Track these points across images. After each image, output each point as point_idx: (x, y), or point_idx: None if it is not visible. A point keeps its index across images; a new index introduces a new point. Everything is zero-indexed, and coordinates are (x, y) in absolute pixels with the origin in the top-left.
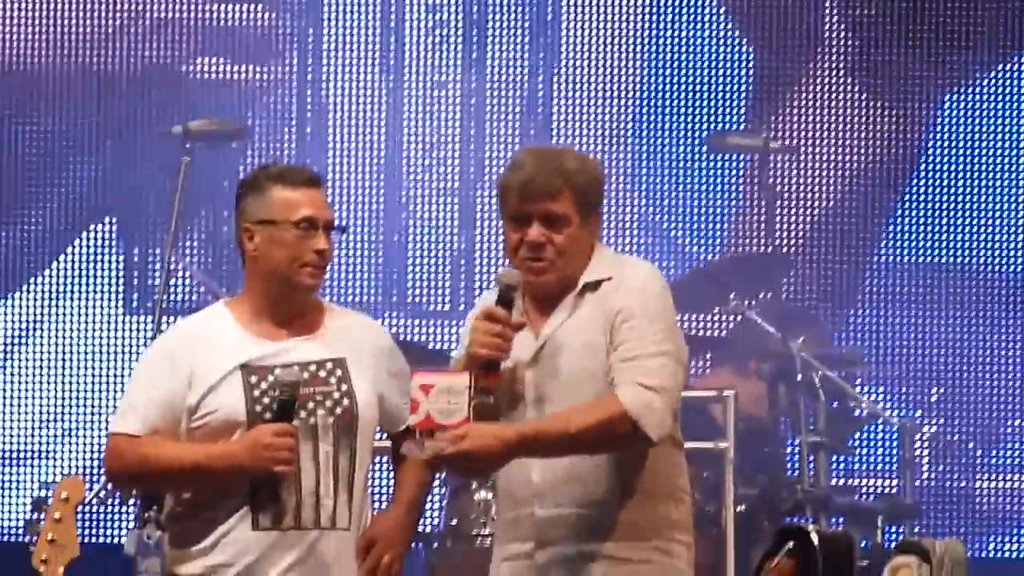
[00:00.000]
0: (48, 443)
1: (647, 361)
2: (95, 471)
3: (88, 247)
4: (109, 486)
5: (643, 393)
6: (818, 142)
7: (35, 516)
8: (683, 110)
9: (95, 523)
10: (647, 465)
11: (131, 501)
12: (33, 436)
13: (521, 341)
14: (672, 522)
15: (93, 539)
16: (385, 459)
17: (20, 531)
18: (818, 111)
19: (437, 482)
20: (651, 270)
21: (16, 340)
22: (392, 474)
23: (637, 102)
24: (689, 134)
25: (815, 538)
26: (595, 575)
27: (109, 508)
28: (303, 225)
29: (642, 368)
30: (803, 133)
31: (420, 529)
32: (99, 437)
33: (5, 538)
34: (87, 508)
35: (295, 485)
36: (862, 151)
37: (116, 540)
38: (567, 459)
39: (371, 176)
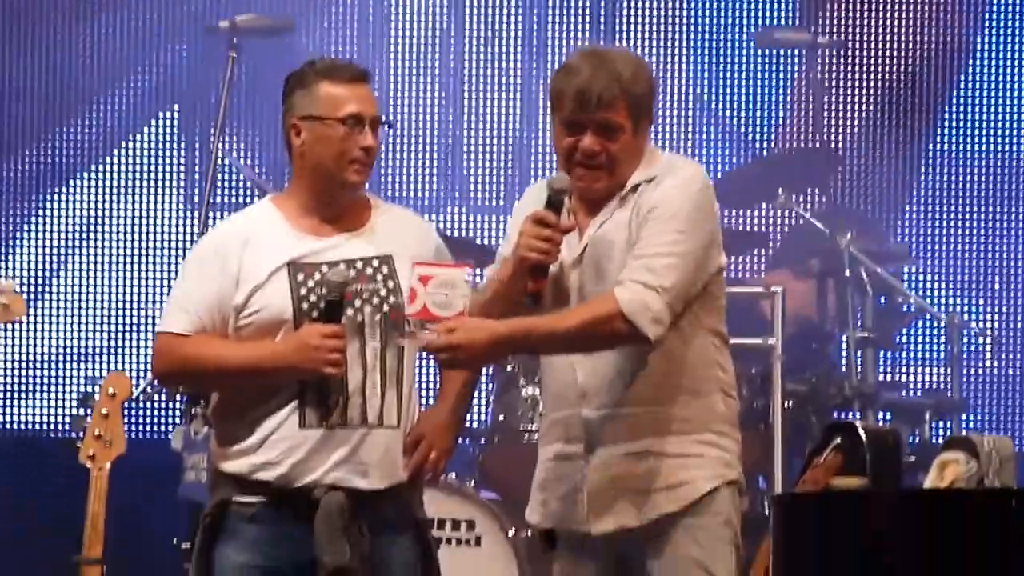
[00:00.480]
0: (97, 340)
1: (654, 260)
2: (142, 368)
3: (149, 143)
4: (155, 382)
5: (641, 292)
6: (866, 36)
7: (82, 411)
8: (731, 4)
9: (142, 419)
10: (691, 361)
11: (177, 397)
12: (83, 332)
13: (567, 242)
14: (719, 415)
15: (140, 435)
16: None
17: (67, 426)
18: (865, 4)
19: (485, 378)
20: (692, 171)
21: (74, 237)
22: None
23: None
24: (737, 29)
25: (862, 433)
26: (646, 471)
27: (155, 404)
28: (349, 121)
29: (646, 266)
30: (851, 27)
31: (467, 425)
32: (148, 335)
33: (52, 433)
34: (133, 404)
35: (342, 383)
36: (911, 44)
37: (163, 436)
38: (612, 359)
39: (427, 69)
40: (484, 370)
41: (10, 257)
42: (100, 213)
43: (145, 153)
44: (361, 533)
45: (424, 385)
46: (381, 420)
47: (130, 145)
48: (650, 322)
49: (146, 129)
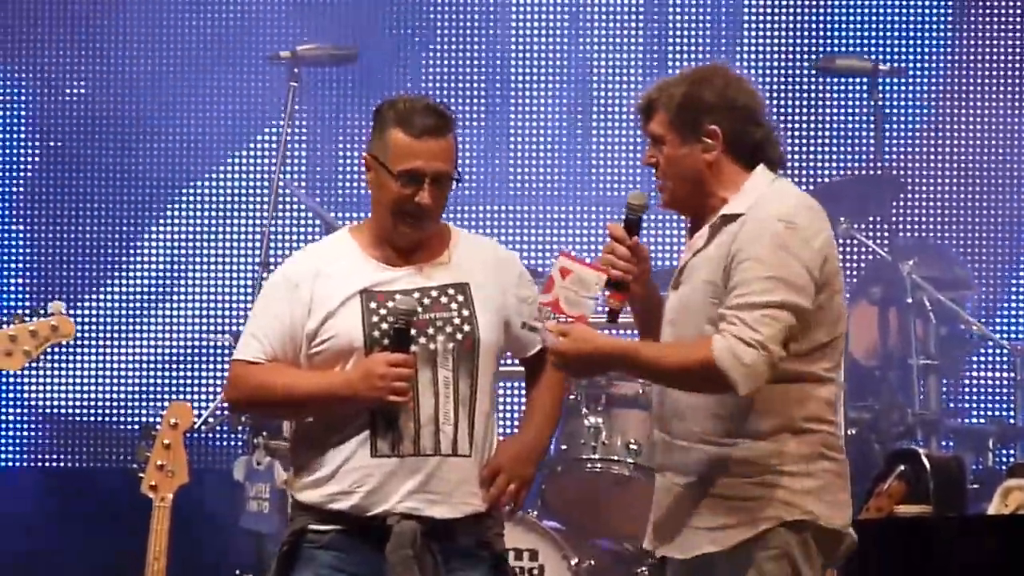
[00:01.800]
0: (160, 370)
1: (749, 313)
2: (204, 398)
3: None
4: (218, 412)
5: (737, 347)
6: (927, 63)
7: (144, 442)
8: (793, 31)
9: (204, 449)
10: (765, 403)
11: (239, 427)
12: (145, 363)
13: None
14: (788, 455)
15: (202, 465)
16: (515, 384)
17: (130, 458)
18: (926, 32)
19: None
20: (785, 204)
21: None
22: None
23: (747, 23)
24: (798, 55)
25: (926, 461)
26: (696, 508)
27: (218, 434)
28: (403, 177)
29: (742, 320)
30: (912, 54)
31: None
32: (210, 364)
33: (115, 465)
34: (196, 434)
35: (414, 411)
36: (972, 70)
37: (225, 466)
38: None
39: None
40: None
41: (73, 279)
42: (159, 241)
43: (212, 186)
44: (436, 562)
45: (509, 412)
46: (455, 449)
47: (194, 175)
48: (742, 377)
49: (213, 164)
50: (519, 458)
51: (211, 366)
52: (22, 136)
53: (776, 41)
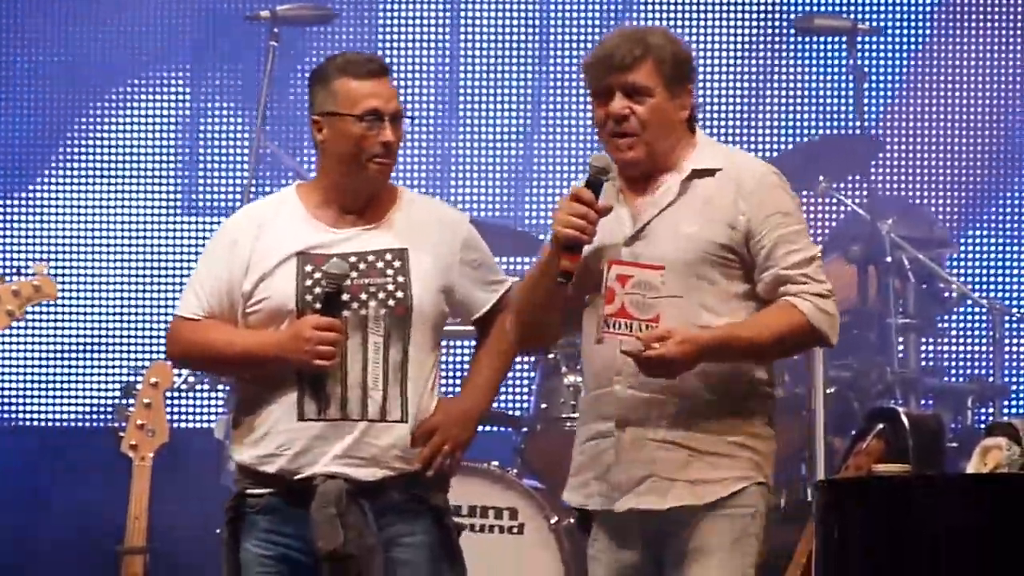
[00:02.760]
0: (139, 329)
1: (810, 268)
2: None
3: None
4: (199, 372)
5: (821, 303)
6: (906, 21)
7: (124, 401)
8: None
9: (184, 408)
10: (738, 365)
11: (220, 386)
12: (125, 322)
13: (617, 221)
14: (754, 417)
15: (182, 424)
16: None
17: (110, 416)
18: None
19: (527, 366)
20: (769, 166)
21: (117, 227)
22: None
23: None
24: (776, 14)
25: (905, 420)
26: (674, 462)
27: (198, 393)
28: (368, 117)
29: (808, 276)
30: (890, 13)
31: (510, 413)
32: None
33: (95, 423)
34: (176, 393)
35: (341, 376)
36: (951, 30)
37: (205, 425)
38: None
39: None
40: (521, 358)
41: (54, 243)
42: (142, 202)
43: (190, 144)
44: (366, 519)
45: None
46: (383, 415)
47: (173, 136)
48: (832, 328)
49: (187, 120)
50: (456, 419)
51: None
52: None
53: (753, 0)
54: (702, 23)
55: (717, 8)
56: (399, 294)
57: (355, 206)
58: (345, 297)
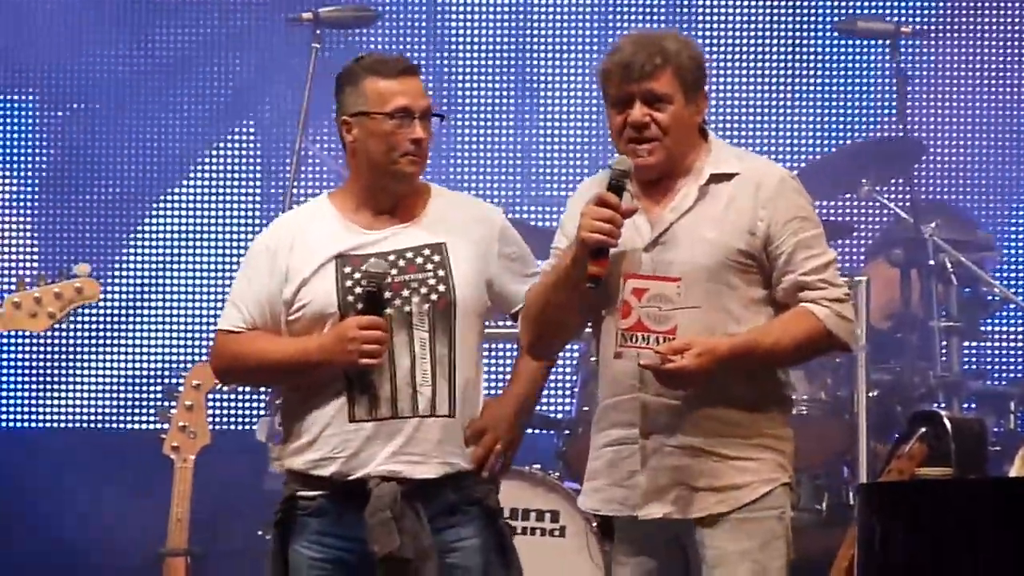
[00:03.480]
0: (182, 332)
1: (827, 273)
2: None
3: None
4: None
5: (840, 308)
6: (949, 25)
7: (166, 403)
8: None
9: (226, 410)
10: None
11: (261, 388)
12: (168, 325)
13: (635, 227)
14: (775, 418)
15: (224, 426)
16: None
17: (152, 418)
18: None
19: (569, 369)
20: (784, 169)
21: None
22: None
23: None
24: (820, 17)
25: (947, 423)
26: (700, 469)
27: (240, 395)
28: (398, 115)
29: (826, 281)
30: (934, 16)
31: (551, 416)
32: None
33: (137, 426)
34: (218, 395)
35: (390, 374)
36: (994, 33)
37: (247, 427)
38: None
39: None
40: (562, 359)
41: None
42: (188, 204)
43: (233, 148)
44: (420, 522)
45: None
46: (433, 409)
47: (220, 143)
48: (849, 334)
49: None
50: (503, 418)
51: None
52: (47, 101)
53: (796, 3)
54: (745, 25)
55: (759, 10)
56: (441, 288)
57: (388, 205)
58: (387, 295)
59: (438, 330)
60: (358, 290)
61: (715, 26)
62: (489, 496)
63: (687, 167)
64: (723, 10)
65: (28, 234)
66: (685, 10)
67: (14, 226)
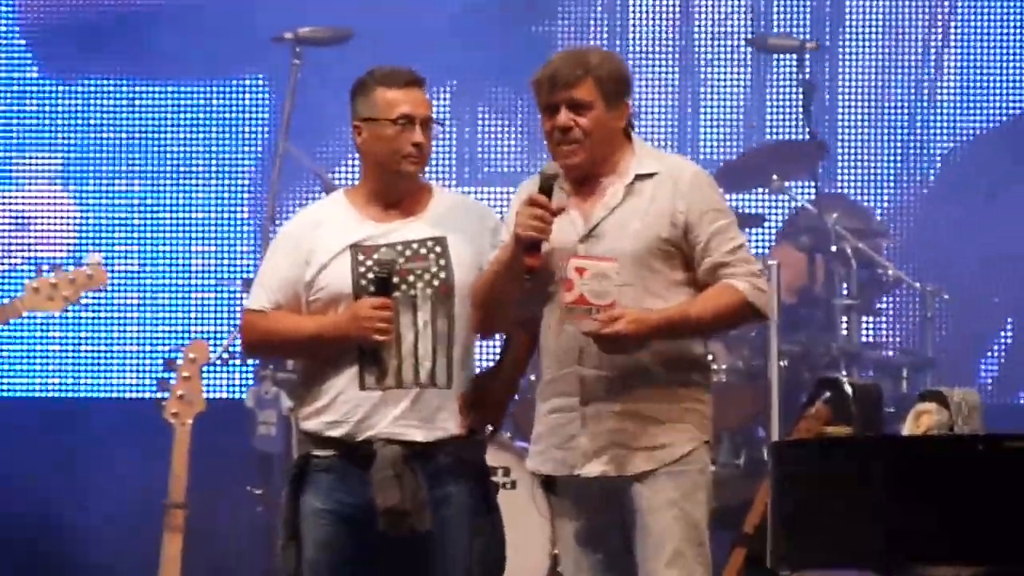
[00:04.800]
0: (180, 312)
1: (740, 253)
2: (218, 335)
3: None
4: (231, 348)
5: (756, 282)
6: (848, 39)
7: (166, 375)
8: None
9: (219, 381)
10: (681, 341)
11: (249, 361)
12: (166, 305)
13: (570, 223)
14: (698, 383)
15: (218, 395)
16: None
17: (154, 388)
18: (845, 10)
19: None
20: (697, 167)
21: (160, 224)
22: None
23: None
24: (735, 33)
25: (848, 388)
26: (633, 431)
27: (231, 368)
28: (400, 121)
29: (741, 259)
30: (835, 31)
31: None
32: (223, 308)
33: (141, 394)
34: (212, 368)
35: (396, 349)
36: (891, 43)
37: (238, 395)
38: None
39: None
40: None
41: (107, 232)
42: (184, 200)
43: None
44: (417, 481)
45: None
46: (433, 380)
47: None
48: (765, 305)
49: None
50: (494, 390)
51: (225, 308)
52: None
53: (713, 21)
54: (672, 41)
55: (686, 30)
56: (442, 275)
57: (395, 201)
58: (395, 280)
59: (439, 312)
60: (370, 276)
61: (640, 39)
62: (479, 457)
63: (613, 167)
64: (648, 26)
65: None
66: (604, 22)
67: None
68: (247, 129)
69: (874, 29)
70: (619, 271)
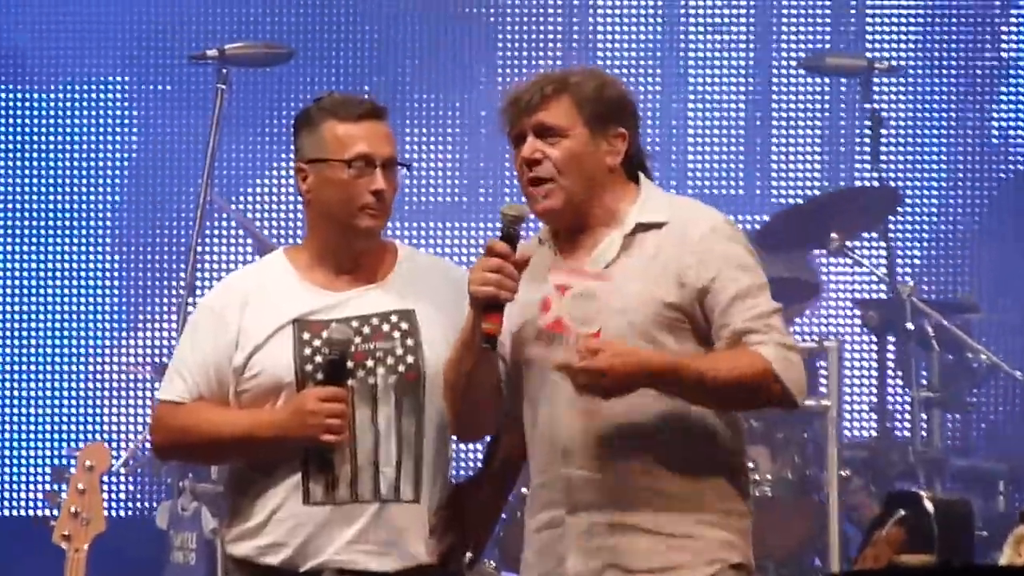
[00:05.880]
0: (72, 406)
1: (772, 320)
2: (122, 438)
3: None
4: (138, 453)
5: (787, 353)
6: (928, 61)
7: (56, 487)
8: (775, 27)
9: (123, 494)
10: (693, 428)
11: (163, 470)
12: (56, 399)
13: (554, 279)
14: (725, 492)
15: (121, 512)
16: None
17: (39, 504)
18: (927, 27)
19: None
20: (719, 215)
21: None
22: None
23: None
24: (783, 53)
25: (928, 505)
26: (633, 549)
27: (138, 478)
28: (357, 163)
29: (772, 327)
30: (911, 51)
31: None
32: (129, 401)
33: (23, 511)
34: (114, 478)
35: (351, 453)
36: (976, 70)
37: (146, 513)
38: (601, 415)
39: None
40: None
41: None
42: (73, 262)
43: (131, 201)
44: None
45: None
46: (397, 494)
47: (108, 186)
48: (795, 384)
49: (125, 168)
50: (476, 507)
51: (131, 401)
52: None
53: (760, 37)
54: (699, 64)
55: (718, 45)
56: (409, 359)
57: (349, 264)
58: (350, 365)
59: (405, 405)
60: (318, 359)
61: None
62: None
63: (611, 216)
64: (673, 41)
65: None
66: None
67: None
68: (159, 172)
69: (956, 44)
70: (609, 291)
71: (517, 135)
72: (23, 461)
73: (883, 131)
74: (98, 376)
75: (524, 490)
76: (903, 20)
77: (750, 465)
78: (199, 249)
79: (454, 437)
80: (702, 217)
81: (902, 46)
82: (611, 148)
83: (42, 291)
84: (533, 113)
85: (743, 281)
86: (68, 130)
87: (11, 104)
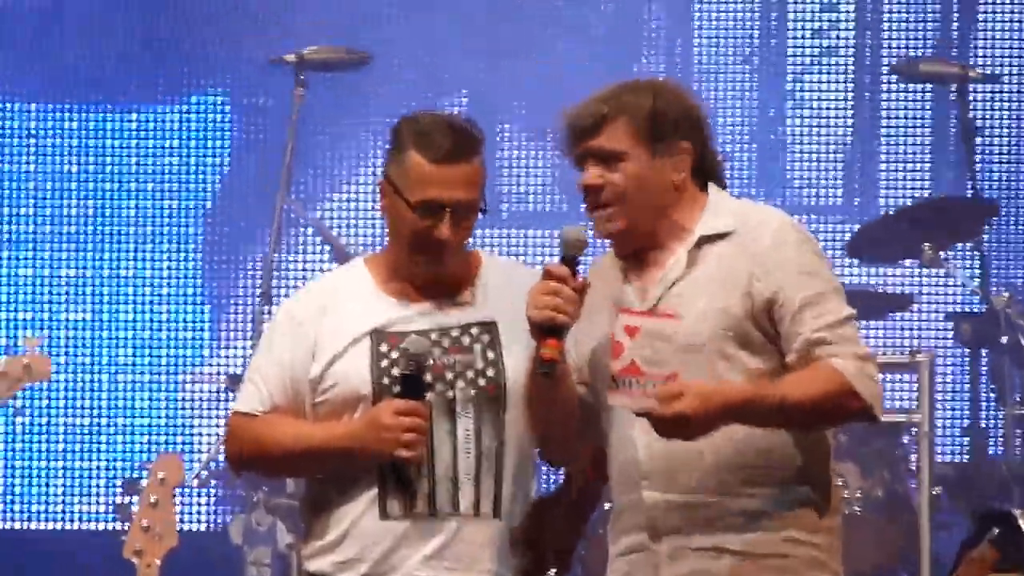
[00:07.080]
0: (146, 417)
1: (845, 329)
2: (196, 449)
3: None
4: (212, 465)
5: (864, 366)
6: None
7: (127, 500)
8: (867, 32)
9: (196, 508)
10: (775, 444)
11: (237, 483)
12: (130, 409)
13: (623, 302)
14: (809, 508)
15: (194, 526)
16: None
17: (111, 517)
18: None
19: None
20: (786, 219)
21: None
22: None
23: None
24: (875, 60)
25: (1022, 524)
26: (720, 571)
27: (212, 491)
28: (421, 208)
29: (845, 337)
30: (1006, 59)
31: None
32: (204, 410)
33: (93, 524)
34: (187, 491)
35: (428, 467)
36: None
37: (220, 527)
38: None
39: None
40: None
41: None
42: (150, 270)
43: (209, 209)
44: None
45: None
46: (477, 510)
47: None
48: (874, 397)
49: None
50: (560, 524)
51: (205, 412)
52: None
53: (850, 43)
54: (786, 70)
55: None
56: (490, 372)
57: (426, 279)
58: (428, 378)
59: (485, 420)
60: (395, 371)
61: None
62: None
63: (679, 229)
64: (756, 47)
65: None
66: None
67: None
68: (236, 179)
69: None
70: (686, 333)
71: (578, 160)
72: (94, 472)
73: (978, 140)
74: (173, 387)
75: (607, 505)
76: (1008, 27)
77: (839, 481)
78: (275, 257)
79: (539, 457)
80: (768, 220)
81: (1003, 52)
82: (675, 165)
83: (120, 301)
84: (589, 138)
85: (811, 288)
86: (156, 146)
87: (98, 119)
